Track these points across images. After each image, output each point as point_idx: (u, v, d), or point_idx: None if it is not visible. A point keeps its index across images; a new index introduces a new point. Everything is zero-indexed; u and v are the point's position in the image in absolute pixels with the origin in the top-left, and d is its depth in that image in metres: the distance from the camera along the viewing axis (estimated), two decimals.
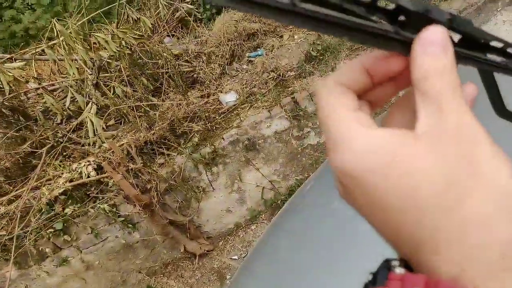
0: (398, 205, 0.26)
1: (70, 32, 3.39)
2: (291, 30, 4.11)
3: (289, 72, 3.68)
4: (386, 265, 0.27)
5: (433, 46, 0.27)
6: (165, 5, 4.04)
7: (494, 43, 0.35)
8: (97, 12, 4.11)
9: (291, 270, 1.42)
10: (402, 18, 0.29)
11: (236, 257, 3.40)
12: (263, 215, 3.56)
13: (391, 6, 0.29)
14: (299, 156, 3.47)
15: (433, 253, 0.25)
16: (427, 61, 0.27)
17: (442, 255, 0.25)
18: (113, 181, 2.92)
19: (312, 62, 3.55)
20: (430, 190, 0.25)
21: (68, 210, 2.95)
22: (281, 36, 4.07)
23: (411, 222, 0.26)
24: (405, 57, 0.30)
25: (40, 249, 2.95)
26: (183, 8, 4.16)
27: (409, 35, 0.29)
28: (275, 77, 3.64)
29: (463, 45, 0.33)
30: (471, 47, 0.33)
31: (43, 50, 3.68)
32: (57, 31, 3.30)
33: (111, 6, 4.36)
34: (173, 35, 4.66)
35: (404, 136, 0.27)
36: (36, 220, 2.92)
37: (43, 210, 2.96)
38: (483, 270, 0.24)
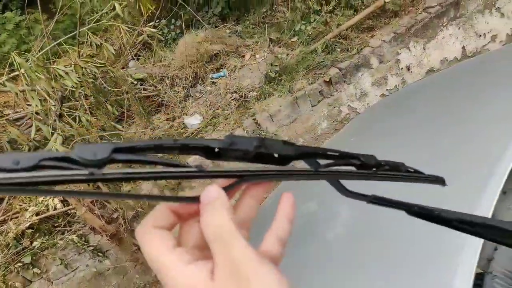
0: None
1: (31, 64, 3.42)
2: (252, 49, 4.20)
3: (251, 92, 3.77)
4: None
5: (209, 205, 0.38)
6: (127, 30, 4.08)
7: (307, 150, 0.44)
8: (62, 39, 4.13)
9: None
10: (216, 150, 0.39)
11: None
12: None
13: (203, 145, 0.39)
14: None
15: None
16: (205, 218, 0.38)
17: None
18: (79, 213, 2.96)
19: (272, 83, 3.64)
20: None
21: (36, 243, 2.98)
22: (243, 56, 4.15)
23: None
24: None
25: (10, 284, 2.97)
26: (145, 32, 4.21)
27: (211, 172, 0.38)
28: (238, 98, 3.73)
29: (279, 161, 0.42)
30: (288, 160, 0.43)
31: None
32: (17, 64, 3.32)
33: (75, 32, 4.38)
34: (138, 58, 4.71)
35: (207, 276, 0.36)
36: (4, 255, 2.93)
37: (10, 244, 2.97)
38: None
